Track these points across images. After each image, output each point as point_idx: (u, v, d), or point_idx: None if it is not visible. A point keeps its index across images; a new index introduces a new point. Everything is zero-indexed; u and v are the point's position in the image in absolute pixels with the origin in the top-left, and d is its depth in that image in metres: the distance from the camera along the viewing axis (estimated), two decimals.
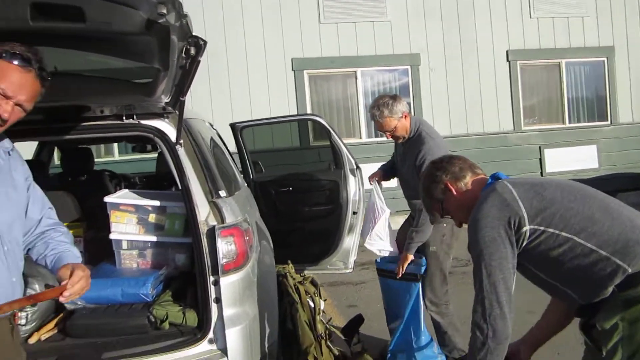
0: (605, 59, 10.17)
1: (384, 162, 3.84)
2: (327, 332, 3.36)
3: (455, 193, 2.00)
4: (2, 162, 1.73)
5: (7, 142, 1.78)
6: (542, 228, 1.75)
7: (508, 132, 9.72)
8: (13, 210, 1.72)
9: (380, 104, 3.34)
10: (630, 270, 1.66)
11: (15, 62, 1.60)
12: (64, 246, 1.82)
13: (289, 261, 3.67)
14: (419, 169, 3.12)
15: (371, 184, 3.60)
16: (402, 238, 3.47)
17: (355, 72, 9.24)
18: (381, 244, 3.45)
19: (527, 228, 1.75)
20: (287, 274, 3.55)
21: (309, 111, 9.00)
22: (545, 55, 9.90)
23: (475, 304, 1.78)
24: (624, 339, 1.63)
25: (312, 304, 3.40)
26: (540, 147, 9.84)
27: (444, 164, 2.07)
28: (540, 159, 9.84)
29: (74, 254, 1.80)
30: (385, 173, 3.71)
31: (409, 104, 9.44)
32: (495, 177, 1.97)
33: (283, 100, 8.81)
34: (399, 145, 3.52)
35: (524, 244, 1.77)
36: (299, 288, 3.40)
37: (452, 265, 6.14)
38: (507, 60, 9.75)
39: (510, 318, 1.76)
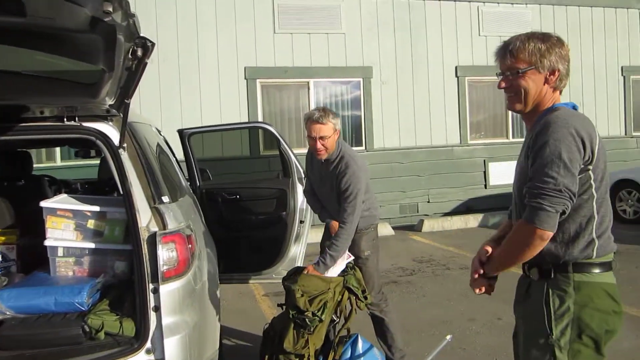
0: None
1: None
2: None
3: (550, 85, 1.91)
4: None
5: None
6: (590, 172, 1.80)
7: (455, 145, 9.97)
8: None
9: (327, 110, 3.37)
10: (594, 255, 1.83)
11: None
12: None
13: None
14: (343, 193, 3.30)
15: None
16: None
17: (308, 82, 9.28)
18: None
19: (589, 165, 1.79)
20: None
21: (260, 120, 8.97)
22: (492, 72, 10.19)
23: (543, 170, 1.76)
24: (573, 321, 1.80)
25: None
26: (485, 161, 10.16)
27: (567, 61, 1.93)
28: (484, 172, 10.16)
29: None
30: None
31: (359, 116, 9.57)
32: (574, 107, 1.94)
33: (234, 109, 8.74)
34: (318, 163, 3.50)
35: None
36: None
37: (398, 274, 6.31)
38: (456, 75, 10.03)
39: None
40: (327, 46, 9.29)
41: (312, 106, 9.28)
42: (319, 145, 3.33)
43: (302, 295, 3.17)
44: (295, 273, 3.34)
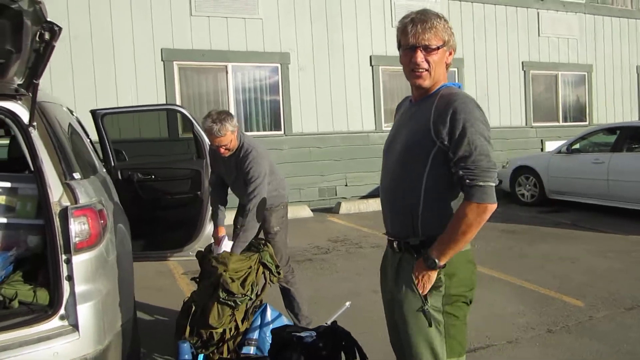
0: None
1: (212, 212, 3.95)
2: None
3: (446, 60, 2.03)
4: None
5: None
6: None
7: (370, 131, 10.40)
8: None
9: (222, 118, 3.48)
10: None
11: None
12: None
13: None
14: (248, 179, 3.54)
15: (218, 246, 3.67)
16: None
17: (226, 66, 9.35)
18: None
19: None
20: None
21: (178, 103, 8.95)
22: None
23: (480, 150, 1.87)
24: (445, 289, 1.96)
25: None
26: None
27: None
28: None
29: None
30: (222, 219, 3.88)
31: (278, 101, 9.76)
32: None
33: (152, 91, 8.68)
34: (221, 156, 3.71)
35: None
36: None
37: (313, 253, 6.61)
38: (371, 64, 10.43)
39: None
40: (244, 30, 9.39)
41: (231, 90, 9.39)
42: (222, 150, 3.59)
43: (234, 281, 3.36)
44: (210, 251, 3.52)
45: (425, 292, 1.95)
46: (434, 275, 1.94)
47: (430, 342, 1.96)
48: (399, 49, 2.05)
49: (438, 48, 1.96)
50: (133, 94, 8.48)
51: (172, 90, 8.88)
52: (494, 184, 1.86)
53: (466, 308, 2.03)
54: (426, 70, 1.97)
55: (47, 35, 2.23)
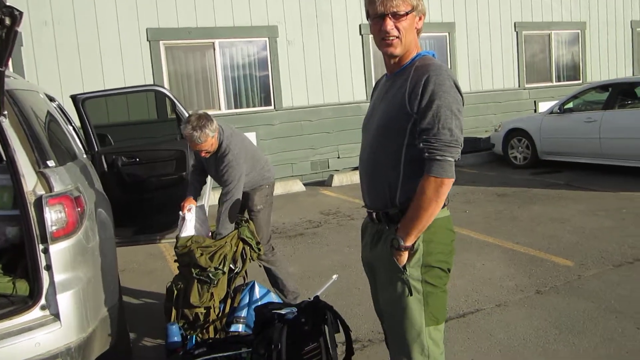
0: (447, 33, 11.19)
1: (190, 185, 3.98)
2: None
3: (417, 25, 2.00)
4: None
5: None
6: None
7: (361, 102, 10.31)
8: None
9: (202, 125, 3.43)
10: None
11: None
12: None
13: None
14: (223, 180, 3.57)
15: (185, 212, 3.66)
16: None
17: (213, 43, 9.23)
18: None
19: None
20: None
21: (166, 83, 8.88)
22: None
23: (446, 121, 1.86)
24: (423, 256, 1.96)
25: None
26: None
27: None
28: None
29: None
30: (196, 192, 3.93)
31: (267, 76, 9.66)
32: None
33: (138, 72, 8.58)
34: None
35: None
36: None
37: (305, 227, 6.63)
38: (360, 33, 10.28)
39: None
40: (230, 5, 9.23)
41: (219, 67, 9.28)
42: (203, 154, 3.60)
43: (202, 255, 3.38)
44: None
45: (401, 265, 1.96)
46: (405, 254, 1.95)
47: (410, 310, 1.97)
48: (367, 19, 2.03)
49: (407, 14, 1.93)
50: (119, 76, 8.38)
51: (160, 70, 8.79)
52: (452, 160, 1.87)
53: (445, 276, 2.03)
54: (397, 37, 1.95)
55: (7, 21, 2.19)
